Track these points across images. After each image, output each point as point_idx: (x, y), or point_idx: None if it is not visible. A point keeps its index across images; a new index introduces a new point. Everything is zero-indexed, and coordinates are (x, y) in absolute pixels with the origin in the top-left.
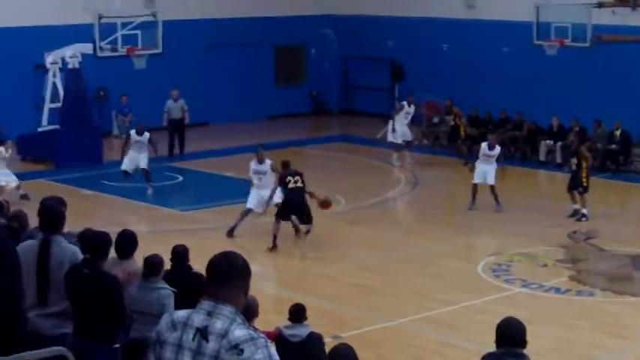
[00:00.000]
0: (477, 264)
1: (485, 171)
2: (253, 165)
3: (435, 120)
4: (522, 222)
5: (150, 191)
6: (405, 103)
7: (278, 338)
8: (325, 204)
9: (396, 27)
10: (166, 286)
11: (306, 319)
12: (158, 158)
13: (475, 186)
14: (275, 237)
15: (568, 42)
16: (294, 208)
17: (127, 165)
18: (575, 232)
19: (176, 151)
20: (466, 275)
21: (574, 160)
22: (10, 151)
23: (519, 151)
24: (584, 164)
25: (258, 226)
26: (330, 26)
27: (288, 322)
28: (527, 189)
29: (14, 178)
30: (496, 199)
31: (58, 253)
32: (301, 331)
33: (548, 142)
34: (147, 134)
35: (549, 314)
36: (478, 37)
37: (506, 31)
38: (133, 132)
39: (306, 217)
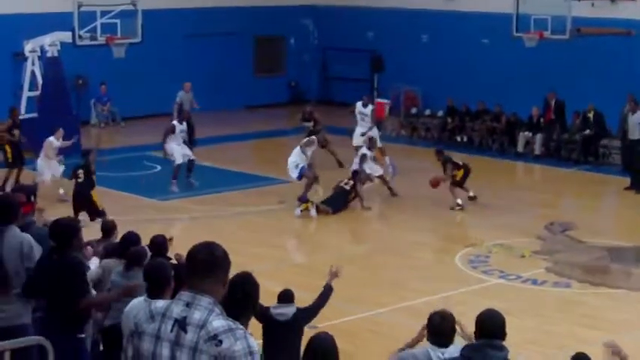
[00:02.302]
0: (454, 255)
1: None
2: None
3: (414, 111)
4: (500, 213)
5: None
6: (359, 103)
7: (265, 318)
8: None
9: (376, 18)
10: None
11: (293, 303)
12: (134, 147)
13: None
14: None
15: (547, 34)
16: None
17: (181, 158)
18: (552, 224)
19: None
20: (444, 266)
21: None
22: (60, 140)
23: (497, 142)
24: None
25: (240, 216)
26: (309, 17)
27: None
28: (505, 180)
29: (60, 170)
30: None
31: (11, 243)
32: (288, 311)
33: (526, 133)
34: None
35: (527, 305)
36: (457, 29)
37: (486, 22)
38: (176, 122)
39: None
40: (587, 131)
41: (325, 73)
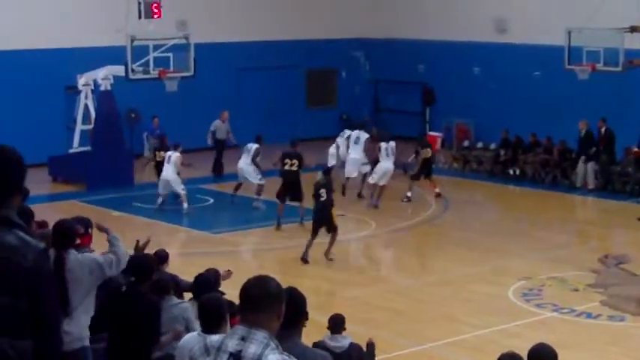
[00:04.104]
0: (507, 288)
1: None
2: None
3: (466, 144)
4: (553, 246)
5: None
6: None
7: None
8: None
9: (428, 51)
10: (180, 300)
11: (345, 329)
12: (186, 180)
13: None
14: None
15: (600, 66)
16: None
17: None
18: (606, 257)
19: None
20: (497, 299)
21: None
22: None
23: (550, 175)
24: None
25: (292, 249)
26: (361, 50)
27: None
28: (558, 213)
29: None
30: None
31: (74, 264)
32: (343, 342)
33: (578, 170)
34: None
35: (580, 339)
36: (509, 61)
37: (538, 55)
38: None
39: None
40: (636, 149)
41: (377, 106)
